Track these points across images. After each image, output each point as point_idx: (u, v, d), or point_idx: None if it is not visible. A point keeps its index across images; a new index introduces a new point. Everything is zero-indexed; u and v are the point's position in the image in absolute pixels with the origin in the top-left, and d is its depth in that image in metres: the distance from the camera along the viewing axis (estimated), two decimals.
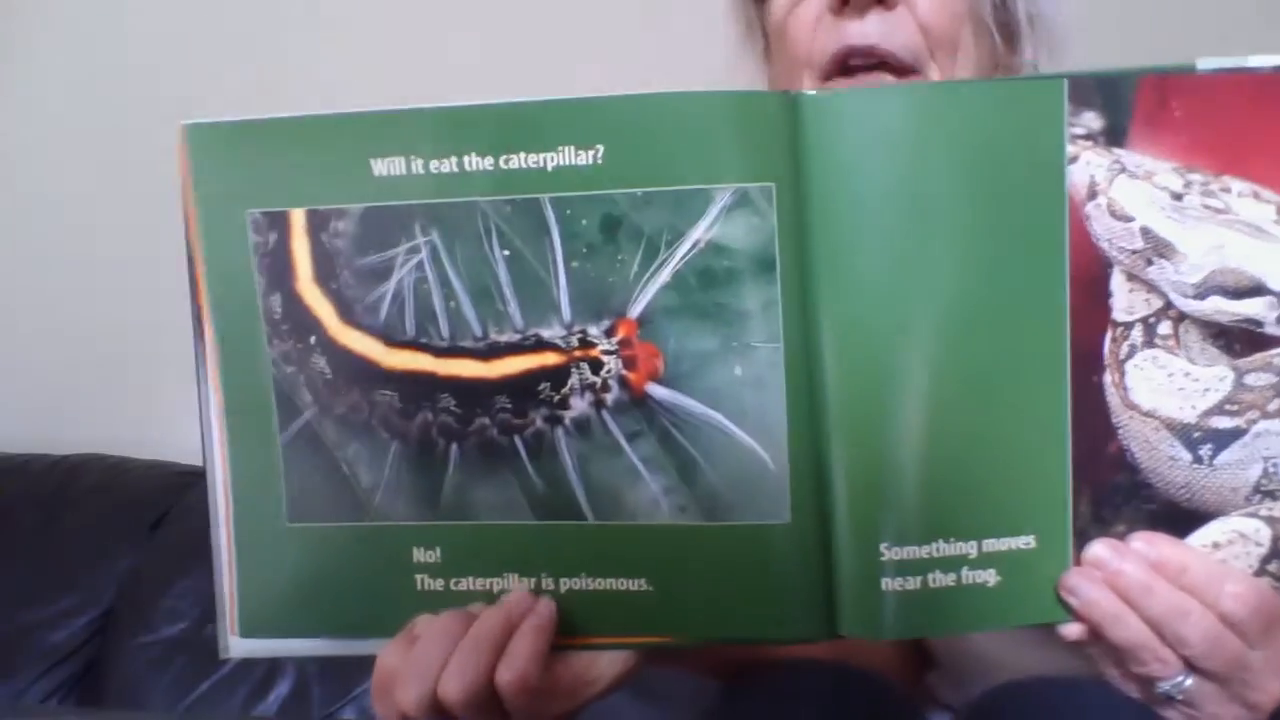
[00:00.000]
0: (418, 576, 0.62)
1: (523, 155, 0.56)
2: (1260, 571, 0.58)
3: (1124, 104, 0.55)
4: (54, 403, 1.86)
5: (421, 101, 0.58)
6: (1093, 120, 0.55)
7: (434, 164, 0.57)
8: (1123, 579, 0.56)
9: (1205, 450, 0.57)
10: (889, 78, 0.77)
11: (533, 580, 0.61)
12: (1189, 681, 0.56)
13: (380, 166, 0.58)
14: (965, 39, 0.78)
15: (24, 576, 1.62)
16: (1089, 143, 0.55)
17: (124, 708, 1.53)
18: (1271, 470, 0.57)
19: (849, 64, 0.77)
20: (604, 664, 0.62)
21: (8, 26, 1.87)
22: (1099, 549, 0.57)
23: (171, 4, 1.81)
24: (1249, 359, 0.57)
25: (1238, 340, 0.57)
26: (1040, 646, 0.61)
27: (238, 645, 0.64)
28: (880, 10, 0.76)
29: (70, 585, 1.62)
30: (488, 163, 0.57)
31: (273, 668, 1.51)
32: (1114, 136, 0.56)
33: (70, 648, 1.60)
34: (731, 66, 0.88)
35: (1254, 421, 0.57)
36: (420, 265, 0.58)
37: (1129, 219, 0.56)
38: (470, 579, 0.61)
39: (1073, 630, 0.58)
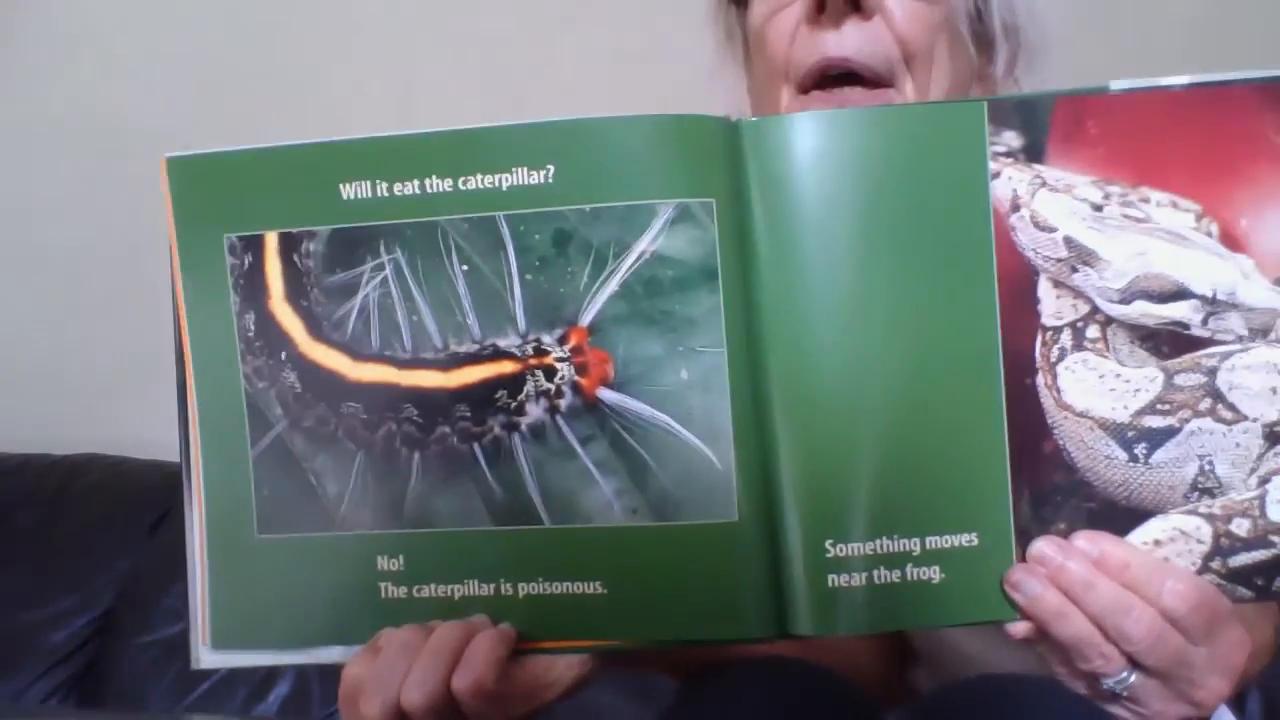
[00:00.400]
0: (381, 585, 0.63)
1: (479, 176, 0.59)
2: (1204, 569, 0.58)
3: (1041, 123, 0.58)
4: (54, 403, 1.85)
5: (386, 128, 0.61)
6: (1013, 139, 0.58)
7: (398, 186, 0.61)
8: (1066, 575, 0.57)
9: (1140, 449, 0.59)
10: (861, 91, 0.77)
11: (492, 586, 0.62)
12: (1133, 678, 0.57)
13: (348, 190, 0.61)
14: (941, 51, 0.78)
15: (24, 576, 1.61)
16: (1010, 159, 0.58)
17: (124, 708, 1.53)
18: (1207, 468, 0.59)
19: (825, 76, 0.77)
20: (561, 667, 0.63)
21: (7, 31, 1.88)
22: (1042, 545, 0.58)
23: (170, 16, 1.82)
24: (1177, 360, 0.59)
25: (1165, 343, 0.59)
26: (1015, 644, 0.61)
27: (209, 657, 0.65)
28: (856, 20, 0.76)
29: (70, 585, 1.61)
30: (447, 184, 0.60)
31: (273, 668, 1.50)
32: (1033, 153, 0.59)
33: (70, 648, 1.59)
34: (712, 73, 0.89)
35: (1186, 420, 0.58)
36: (385, 282, 0.61)
37: (1052, 229, 0.58)
38: (432, 586, 0.63)
39: (1019, 628, 0.59)
